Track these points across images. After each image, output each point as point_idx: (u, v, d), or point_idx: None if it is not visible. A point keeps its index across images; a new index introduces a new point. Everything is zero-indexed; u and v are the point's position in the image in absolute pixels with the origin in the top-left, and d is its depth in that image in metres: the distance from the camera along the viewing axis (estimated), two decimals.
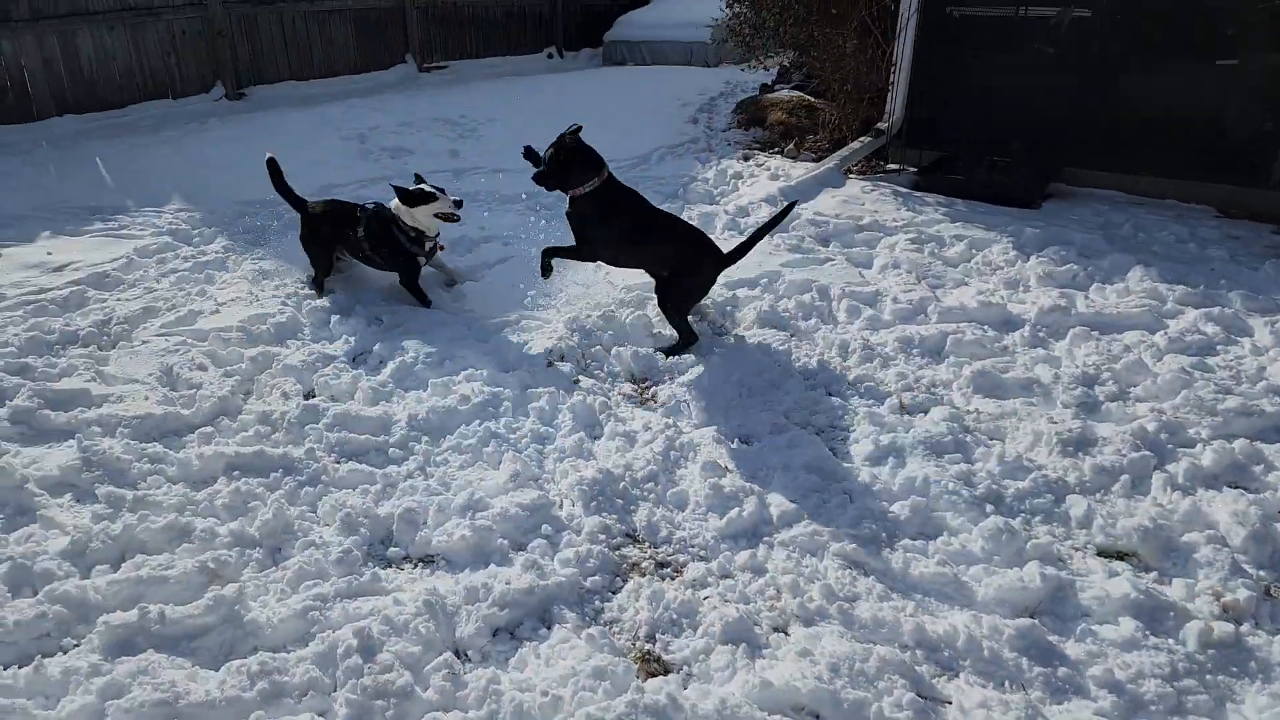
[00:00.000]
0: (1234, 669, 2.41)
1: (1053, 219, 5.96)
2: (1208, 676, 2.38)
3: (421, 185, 4.64)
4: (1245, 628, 2.53)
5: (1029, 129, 6.84)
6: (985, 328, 4.38)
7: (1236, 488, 3.11)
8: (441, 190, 4.65)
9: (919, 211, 6.17)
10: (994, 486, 3.15)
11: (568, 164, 4.17)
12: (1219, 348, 4.13)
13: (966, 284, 5.02)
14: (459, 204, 4.68)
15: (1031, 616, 2.59)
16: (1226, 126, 6.23)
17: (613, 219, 4.26)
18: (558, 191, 4.34)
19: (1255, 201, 6.04)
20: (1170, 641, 2.49)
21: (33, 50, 8.70)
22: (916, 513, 3.03)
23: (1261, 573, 2.73)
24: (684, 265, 4.27)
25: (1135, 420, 3.51)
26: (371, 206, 4.76)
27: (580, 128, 4.20)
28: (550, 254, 4.43)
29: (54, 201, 6.47)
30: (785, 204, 4.62)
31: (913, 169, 7.14)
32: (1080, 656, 2.44)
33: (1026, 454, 3.37)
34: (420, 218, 4.63)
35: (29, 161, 7.52)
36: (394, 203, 4.66)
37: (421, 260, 4.74)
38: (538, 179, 4.26)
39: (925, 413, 3.69)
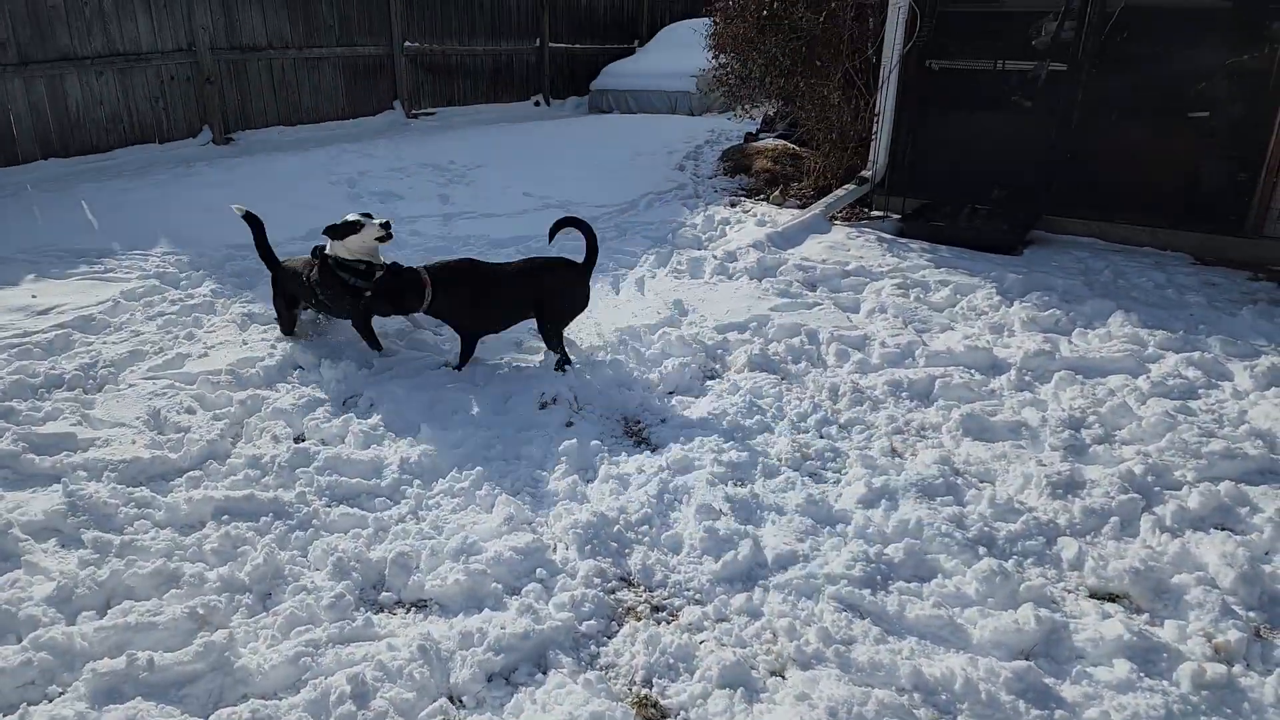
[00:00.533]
0: (1228, 710, 2.42)
1: (1034, 265, 6.09)
2: (1202, 718, 2.39)
3: (346, 217, 4.65)
4: (1237, 669, 2.54)
5: (1008, 177, 7.02)
6: (972, 371, 4.44)
7: (1224, 529, 3.15)
8: (368, 215, 4.68)
9: (903, 257, 6.29)
10: (986, 529, 3.17)
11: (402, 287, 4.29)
12: (1200, 391, 4.21)
13: (953, 328, 5.10)
14: (387, 224, 4.68)
15: (1027, 659, 2.59)
16: (1200, 176, 6.43)
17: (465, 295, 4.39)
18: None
19: (1230, 249, 6.21)
20: (1164, 683, 2.49)
21: (19, 95, 8.74)
22: (910, 555, 3.03)
23: (1251, 614, 2.76)
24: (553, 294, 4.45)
25: (1122, 463, 3.56)
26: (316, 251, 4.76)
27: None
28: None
29: (39, 244, 6.46)
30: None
31: (896, 216, 7.28)
32: (1076, 699, 2.44)
33: (1017, 496, 3.40)
34: (355, 247, 4.61)
35: (13, 204, 7.52)
36: (330, 244, 4.66)
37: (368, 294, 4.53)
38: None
39: (916, 455, 3.72)
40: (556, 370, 4.42)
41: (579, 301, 4.53)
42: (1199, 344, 4.67)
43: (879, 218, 7.32)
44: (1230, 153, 6.26)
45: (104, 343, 4.81)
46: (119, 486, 3.36)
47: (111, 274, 5.93)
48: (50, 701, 2.38)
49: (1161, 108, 6.36)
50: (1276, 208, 6.05)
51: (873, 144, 7.53)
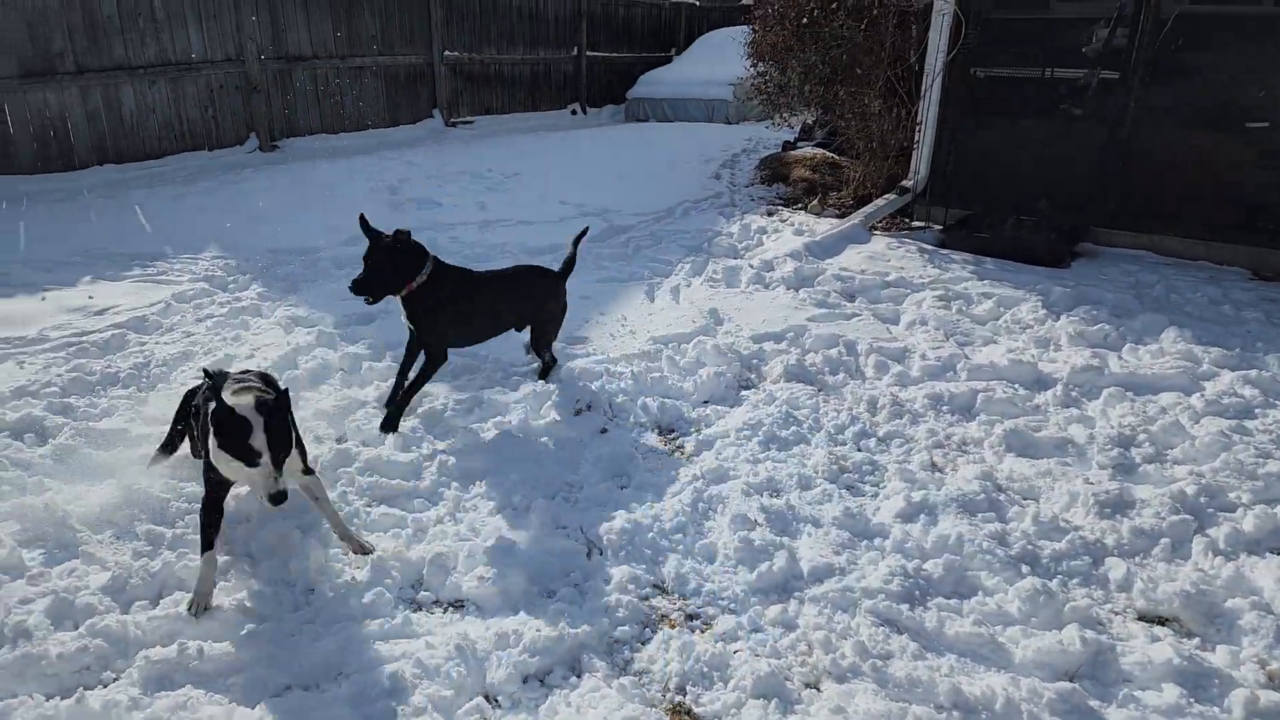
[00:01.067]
0: None
1: (1082, 279, 5.98)
2: None
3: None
4: None
5: (1056, 189, 6.90)
6: (1016, 386, 4.37)
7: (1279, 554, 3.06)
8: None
9: (945, 269, 6.21)
10: (1029, 547, 3.11)
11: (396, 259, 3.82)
12: (1258, 411, 4.09)
13: (996, 342, 5.02)
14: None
15: (1071, 680, 2.53)
16: (1259, 188, 6.26)
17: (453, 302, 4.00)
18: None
19: None
20: (1215, 709, 2.42)
21: (76, 103, 9.01)
22: (950, 571, 2.99)
23: None
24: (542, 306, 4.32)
25: (1174, 483, 3.47)
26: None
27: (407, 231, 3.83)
28: (395, 412, 3.96)
29: (95, 247, 6.64)
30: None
31: (938, 226, 7.20)
32: None
33: (1062, 515, 3.32)
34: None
35: (71, 209, 7.75)
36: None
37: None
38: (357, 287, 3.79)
39: (956, 470, 3.67)
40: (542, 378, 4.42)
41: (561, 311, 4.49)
42: (1256, 362, 4.55)
43: (920, 228, 7.24)
44: None
45: (156, 343, 4.93)
46: (171, 481, 3.44)
47: (163, 276, 6.08)
48: (105, 686, 2.45)
49: (1218, 117, 6.21)
50: None
51: (914, 153, 7.45)
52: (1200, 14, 6.07)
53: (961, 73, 7.06)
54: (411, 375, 4.08)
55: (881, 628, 2.74)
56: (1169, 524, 3.17)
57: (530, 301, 4.31)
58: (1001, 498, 3.44)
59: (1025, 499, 3.46)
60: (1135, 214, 6.65)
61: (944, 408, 4.23)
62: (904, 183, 7.57)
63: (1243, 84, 6.05)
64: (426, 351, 4.07)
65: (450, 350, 4.17)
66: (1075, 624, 2.70)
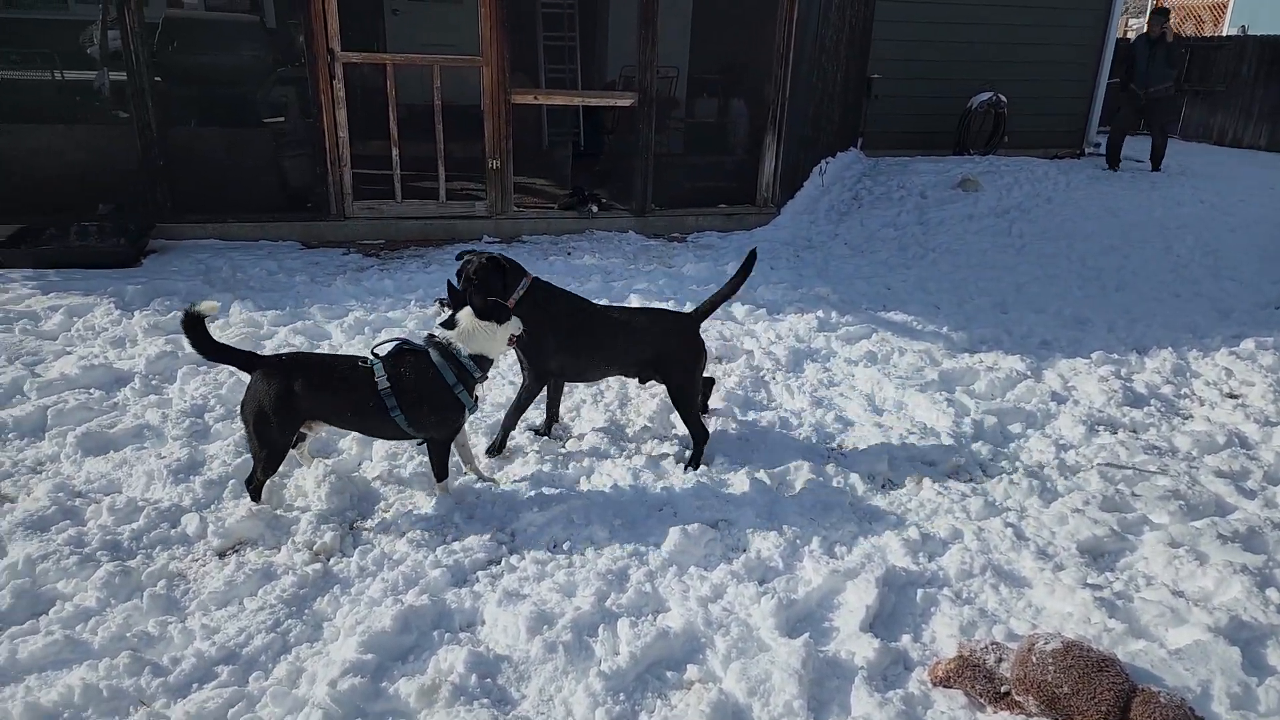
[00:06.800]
0: None
1: (154, 274, 6.09)
2: None
3: None
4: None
5: (112, 190, 6.77)
6: (91, 390, 4.26)
7: None
8: None
9: (2, 290, 5.57)
10: (109, 536, 3.12)
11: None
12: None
13: (70, 352, 4.77)
14: None
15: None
16: (297, 174, 7.24)
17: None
18: None
19: (327, 232, 7.23)
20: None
21: None
22: (21, 596, 2.81)
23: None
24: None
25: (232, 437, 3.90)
26: None
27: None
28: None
29: None
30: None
31: None
32: None
33: (141, 495, 3.42)
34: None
35: None
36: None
37: None
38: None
39: (31, 493, 3.41)
40: None
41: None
42: (304, 315, 5.37)
43: None
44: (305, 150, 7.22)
45: None
46: None
47: None
48: None
49: (235, 113, 6.93)
50: (349, 193, 7.25)
51: None
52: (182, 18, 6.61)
53: None
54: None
55: None
56: (234, 467, 3.58)
57: (648, 344, 3.76)
58: (78, 502, 3.35)
59: (106, 494, 3.45)
60: (197, 206, 7.00)
61: (10, 434, 3.86)
62: None
63: (246, 83, 6.86)
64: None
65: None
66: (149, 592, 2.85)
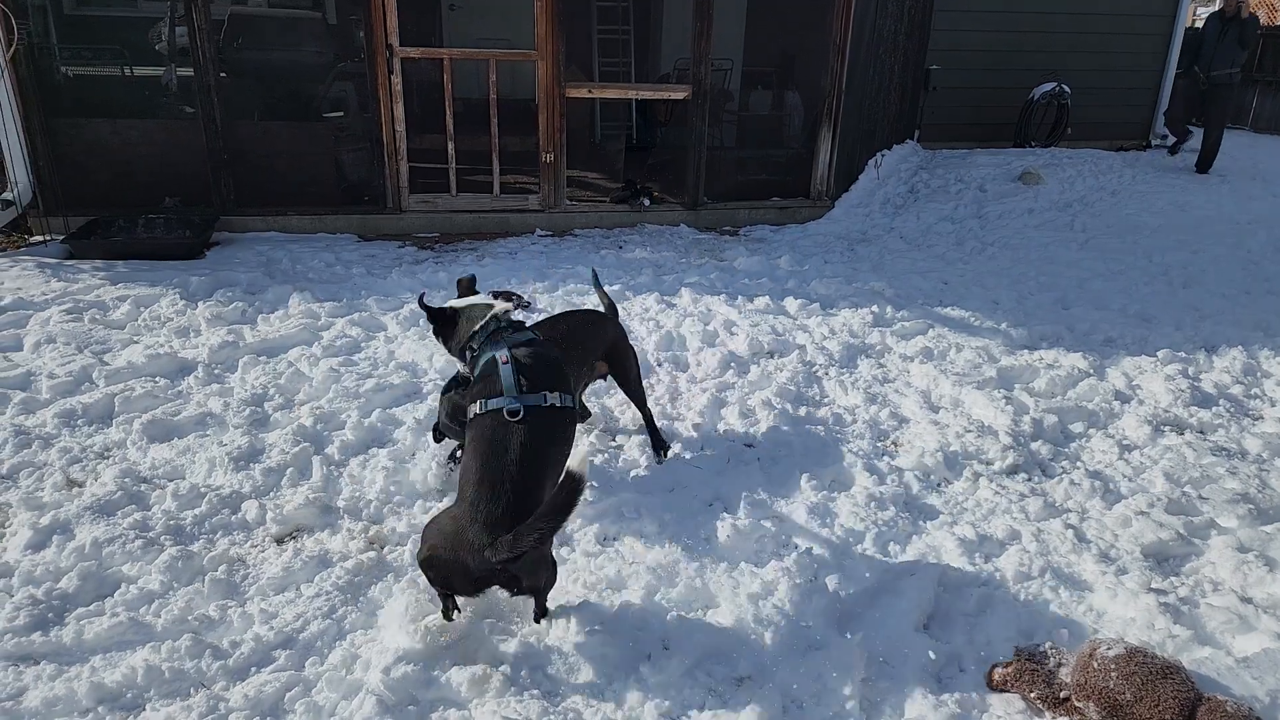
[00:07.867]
0: None
1: (218, 265, 6.23)
2: None
3: None
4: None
5: (179, 183, 6.97)
6: (157, 378, 4.38)
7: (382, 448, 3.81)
8: None
9: (74, 280, 5.77)
10: (172, 521, 3.22)
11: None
12: (362, 344, 4.94)
13: (136, 342, 4.92)
14: None
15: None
16: (353, 167, 7.38)
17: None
18: None
19: (384, 225, 7.34)
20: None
21: None
22: (88, 578, 2.90)
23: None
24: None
25: (297, 420, 3.98)
26: None
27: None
28: None
29: None
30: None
31: (60, 237, 6.58)
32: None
33: (204, 482, 3.51)
34: None
35: None
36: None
37: None
38: None
39: (98, 478, 3.53)
40: None
41: None
42: (360, 306, 5.46)
43: (39, 243, 6.53)
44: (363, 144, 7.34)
45: None
46: None
47: None
48: None
49: (297, 108, 7.07)
50: (405, 187, 7.36)
51: (6, 162, 6.61)
52: (248, 14, 6.76)
53: (40, 71, 6.47)
54: None
55: (13, 668, 2.53)
56: (292, 455, 3.65)
57: (600, 341, 3.66)
58: (143, 488, 3.45)
59: (169, 480, 3.55)
60: (259, 200, 7.18)
61: (79, 421, 4.00)
62: (4, 195, 6.66)
63: (307, 79, 7.00)
64: None
65: None
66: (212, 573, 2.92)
